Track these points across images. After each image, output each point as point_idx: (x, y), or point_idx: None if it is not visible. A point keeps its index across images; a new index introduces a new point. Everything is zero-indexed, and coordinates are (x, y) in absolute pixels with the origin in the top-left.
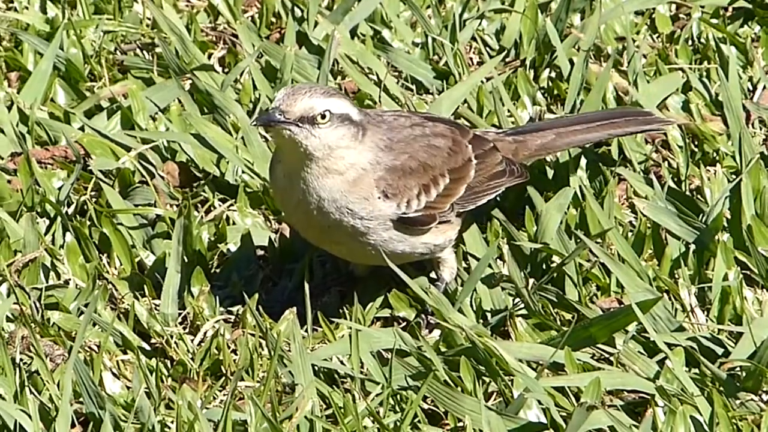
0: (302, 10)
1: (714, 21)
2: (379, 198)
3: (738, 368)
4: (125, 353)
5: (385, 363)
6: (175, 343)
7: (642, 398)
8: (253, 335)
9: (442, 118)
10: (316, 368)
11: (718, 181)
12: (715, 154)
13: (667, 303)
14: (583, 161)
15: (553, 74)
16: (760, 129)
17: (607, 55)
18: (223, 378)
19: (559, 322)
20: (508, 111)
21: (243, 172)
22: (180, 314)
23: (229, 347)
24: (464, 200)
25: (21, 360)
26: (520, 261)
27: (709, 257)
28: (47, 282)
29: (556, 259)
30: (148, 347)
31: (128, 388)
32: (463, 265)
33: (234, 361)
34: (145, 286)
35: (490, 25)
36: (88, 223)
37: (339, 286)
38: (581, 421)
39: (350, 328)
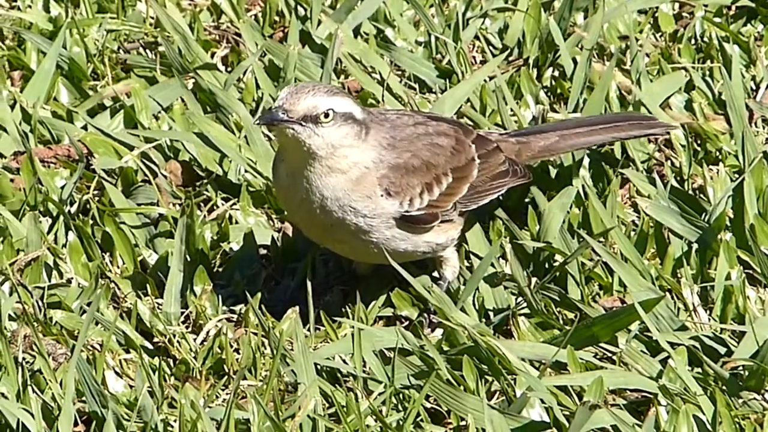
0: (305, 9)
1: (717, 20)
2: (381, 196)
3: (741, 367)
4: (128, 352)
5: (388, 362)
6: (178, 342)
7: (645, 397)
8: (255, 334)
9: (446, 118)
10: (318, 367)
11: (720, 180)
12: (717, 154)
13: (670, 302)
14: (586, 160)
15: (556, 73)
16: (763, 128)
17: (610, 54)
18: (226, 377)
19: (561, 321)
20: (511, 110)
21: (246, 171)
22: (183, 313)
23: (231, 346)
24: (467, 199)
25: (24, 359)
26: (523, 260)
27: (711, 256)
28: (50, 281)
29: (558, 258)
30: (150, 346)
31: (131, 387)
32: (466, 264)
33: (237, 360)
34: (147, 285)
35: (493, 24)
36: (91, 222)
37: (341, 284)
38: (584, 420)
39: (353, 327)
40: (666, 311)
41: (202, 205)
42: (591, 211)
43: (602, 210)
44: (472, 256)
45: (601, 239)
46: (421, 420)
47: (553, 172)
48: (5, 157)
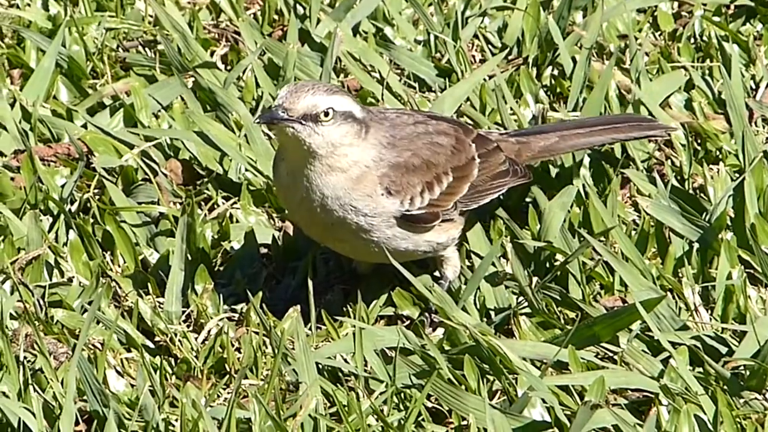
0: (305, 8)
1: (716, 19)
2: (382, 195)
3: (742, 367)
4: (129, 351)
5: (389, 361)
6: (179, 340)
7: (646, 397)
8: (256, 333)
9: (445, 117)
10: (319, 366)
11: (721, 179)
12: (718, 153)
13: (671, 302)
14: (587, 160)
15: (555, 72)
16: (763, 127)
17: (609, 53)
18: (227, 376)
19: (562, 321)
20: (511, 109)
21: (246, 169)
22: (184, 312)
23: (233, 345)
24: (467, 199)
25: (25, 358)
26: (524, 259)
27: (712, 256)
28: (51, 280)
29: (559, 257)
30: (152, 345)
31: (132, 386)
32: (467, 263)
33: (238, 359)
34: (148, 284)
35: (492, 23)
36: (92, 220)
37: (342, 284)
38: (585, 420)
39: (354, 326)
40: (667, 311)
41: (202, 203)
42: (592, 211)
43: (603, 209)
44: (473, 256)
45: (602, 239)
46: (423, 419)
47: (553, 171)
48: (5, 156)
